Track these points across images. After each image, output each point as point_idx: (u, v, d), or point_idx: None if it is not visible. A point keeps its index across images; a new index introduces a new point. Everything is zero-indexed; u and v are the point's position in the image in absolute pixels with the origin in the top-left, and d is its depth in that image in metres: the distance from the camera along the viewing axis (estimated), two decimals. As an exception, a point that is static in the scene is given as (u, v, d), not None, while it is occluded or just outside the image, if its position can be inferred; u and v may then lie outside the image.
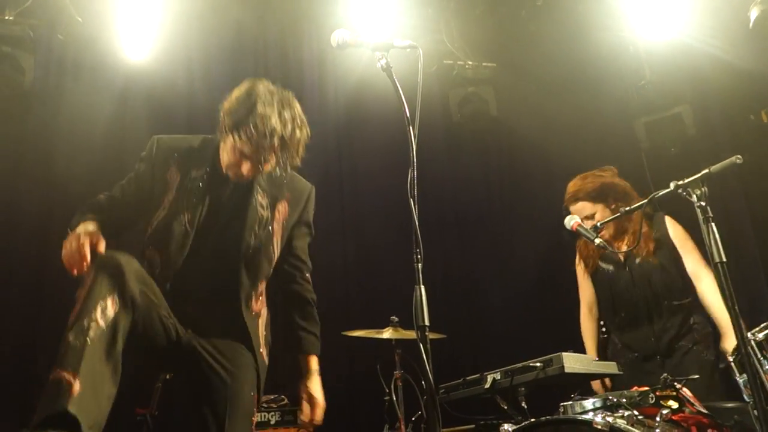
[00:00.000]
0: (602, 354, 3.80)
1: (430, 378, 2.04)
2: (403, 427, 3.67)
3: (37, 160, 4.84)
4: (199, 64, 5.41)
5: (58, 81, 5.05)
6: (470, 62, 5.75)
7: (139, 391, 4.23)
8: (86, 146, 4.90)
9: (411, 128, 2.27)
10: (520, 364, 2.84)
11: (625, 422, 2.29)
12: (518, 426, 2.52)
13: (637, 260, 3.66)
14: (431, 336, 2.00)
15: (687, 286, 3.59)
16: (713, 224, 2.45)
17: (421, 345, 2.07)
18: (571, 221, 3.15)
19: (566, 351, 2.82)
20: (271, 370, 4.93)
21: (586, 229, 3.08)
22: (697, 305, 3.57)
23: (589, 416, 2.38)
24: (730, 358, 2.64)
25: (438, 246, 5.42)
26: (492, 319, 5.35)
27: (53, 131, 4.91)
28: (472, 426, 3.89)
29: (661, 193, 2.75)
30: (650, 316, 3.60)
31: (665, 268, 3.61)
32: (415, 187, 2.22)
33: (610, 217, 3.20)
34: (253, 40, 5.65)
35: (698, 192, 2.52)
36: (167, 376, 4.08)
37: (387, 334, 3.81)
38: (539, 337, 4.96)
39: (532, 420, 2.56)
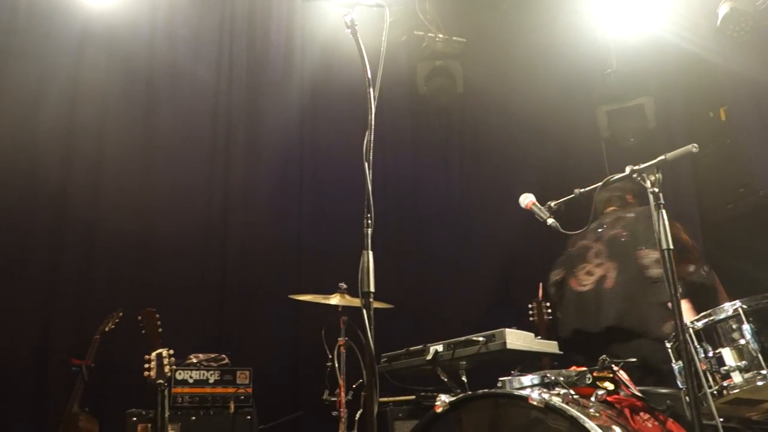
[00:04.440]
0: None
1: (371, 344, 2.02)
2: (343, 393, 3.66)
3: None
4: (163, 11, 5.22)
5: (9, 27, 4.74)
6: (441, 35, 5.67)
7: (76, 342, 4.15)
8: (40, 95, 4.69)
9: (371, 90, 2.23)
10: (463, 338, 2.84)
11: (561, 400, 2.31)
12: (456, 398, 2.52)
13: None
14: (378, 305, 1.98)
15: None
16: (664, 211, 2.47)
17: (364, 311, 2.04)
18: (525, 200, 3.13)
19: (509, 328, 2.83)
20: (226, 326, 4.82)
21: (540, 208, 3.06)
22: None
23: (526, 392, 2.39)
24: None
25: (393, 216, 5.39)
26: (444, 293, 5.36)
27: (4, 81, 4.66)
28: (413, 397, 3.90)
29: (616, 177, 2.76)
30: None
31: None
32: (371, 150, 2.18)
33: (564, 198, 3.17)
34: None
35: (652, 178, 2.53)
36: (106, 329, 4.02)
37: (334, 300, 3.79)
38: (491, 314, 5.01)
39: (469, 393, 2.57)
